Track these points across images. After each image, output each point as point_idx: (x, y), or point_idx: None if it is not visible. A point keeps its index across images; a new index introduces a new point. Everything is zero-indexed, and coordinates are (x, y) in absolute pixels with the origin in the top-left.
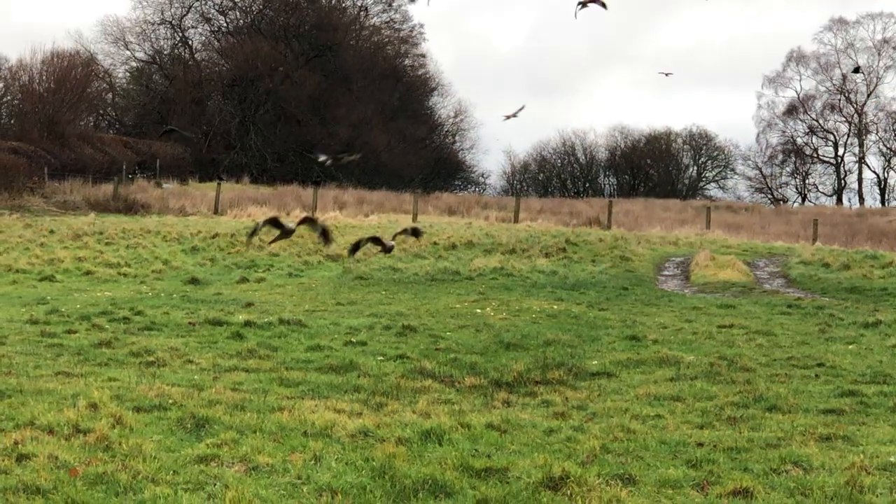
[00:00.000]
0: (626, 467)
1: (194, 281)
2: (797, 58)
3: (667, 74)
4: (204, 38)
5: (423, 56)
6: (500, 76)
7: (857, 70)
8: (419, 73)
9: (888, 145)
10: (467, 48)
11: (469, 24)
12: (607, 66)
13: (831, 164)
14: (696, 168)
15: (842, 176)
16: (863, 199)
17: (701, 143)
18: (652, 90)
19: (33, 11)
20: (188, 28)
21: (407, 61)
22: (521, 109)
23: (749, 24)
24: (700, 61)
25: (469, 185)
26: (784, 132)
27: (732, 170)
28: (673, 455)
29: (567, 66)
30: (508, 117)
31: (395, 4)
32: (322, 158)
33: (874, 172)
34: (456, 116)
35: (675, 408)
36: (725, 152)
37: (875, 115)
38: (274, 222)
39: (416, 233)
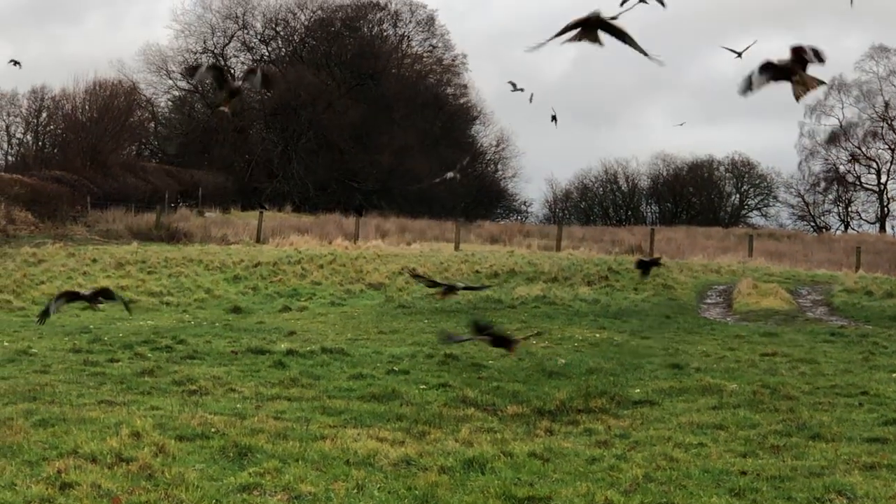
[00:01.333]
0: (670, 496)
1: (237, 310)
2: (839, 86)
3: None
4: (246, 66)
5: (465, 85)
6: (545, 105)
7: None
8: (461, 101)
9: None
10: (513, 76)
11: (515, 53)
12: (652, 96)
13: (874, 191)
14: (738, 196)
15: (885, 203)
16: None
17: (743, 171)
18: (696, 119)
19: (76, 41)
20: (230, 57)
21: (449, 90)
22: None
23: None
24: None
25: (511, 214)
26: (826, 160)
27: (775, 197)
28: (716, 484)
29: (611, 96)
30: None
31: (436, 32)
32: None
33: None
34: (498, 145)
35: (718, 436)
36: (768, 180)
37: None
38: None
39: (450, 290)
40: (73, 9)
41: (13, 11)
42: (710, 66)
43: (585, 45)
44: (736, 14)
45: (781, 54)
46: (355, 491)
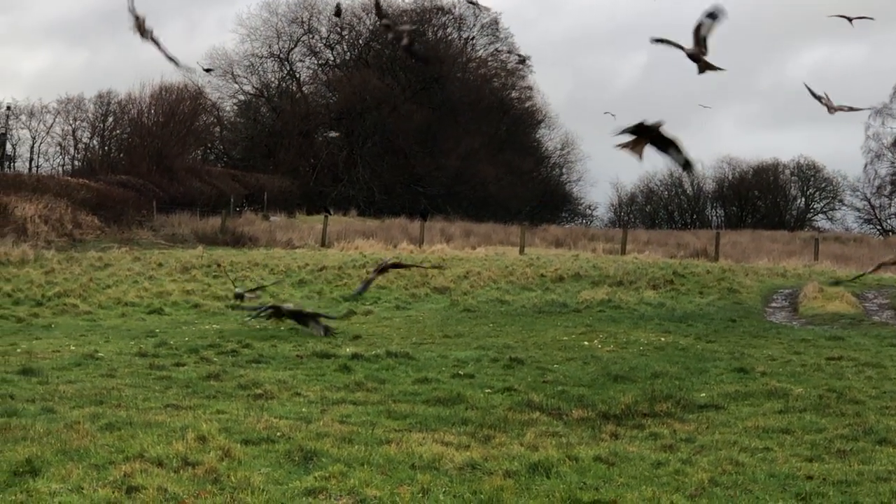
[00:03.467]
0: (735, 500)
1: None
2: None
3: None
4: (311, 71)
5: (530, 88)
6: (614, 110)
7: None
8: (526, 105)
9: None
10: (583, 82)
11: (585, 59)
12: (722, 101)
13: None
14: (803, 199)
15: None
16: None
17: (809, 175)
18: (763, 124)
19: (142, 45)
20: (296, 61)
21: (513, 93)
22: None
23: (865, 59)
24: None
25: (576, 218)
26: (893, 163)
27: (840, 201)
28: (782, 488)
29: (681, 101)
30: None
31: (500, 36)
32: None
33: None
34: (563, 149)
35: (783, 440)
36: (833, 183)
37: None
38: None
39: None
40: (151, 16)
41: (90, 19)
42: (778, 73)
43: (656, 51)
44: (806, 22)
45: (857, 60)
46: (420, 495)
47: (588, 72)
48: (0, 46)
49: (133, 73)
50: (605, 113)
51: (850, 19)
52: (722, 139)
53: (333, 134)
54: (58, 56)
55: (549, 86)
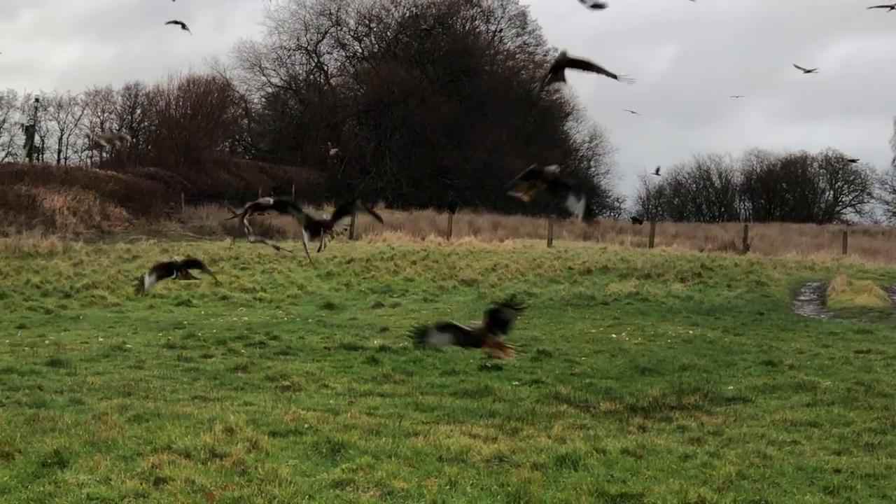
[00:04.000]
0: (763, 493)
1: (329, 306)
2: None
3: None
4: (339, 63)
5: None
6: (643, 102)
7: None
8: (554, 97)
9: None
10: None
11: (616, 52)
12: (750, 95)
13: None
14: (832, 192)
15: None
16: None
17: (837, 168)
18: (792, 117)
19: (169, 38)
20: (323, 53)
21: None
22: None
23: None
24: (842, 90)
25: (604, 210)
26: None
27: (869, 194)
28: (810, 481)
29: (710, 94)
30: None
31: (528, 28)
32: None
33: None
34: (591, 142)
35: (811, 434)
36: (862, 176)
37: None
38: (162, 268)
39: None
40: (181, 10)
41: (121, 11)
42: (808, 66)
43: (688, 44)
44: (835, 16)
45: (887, 54)
46: (448, 487)
47: (617, 65)
48: (32, 39)
49: (161, 65)
50: (631, 112)
51: (892, 7)
52: (750, 132)
53: (333, 150)
54: (88, 49)
55: (578, 79)
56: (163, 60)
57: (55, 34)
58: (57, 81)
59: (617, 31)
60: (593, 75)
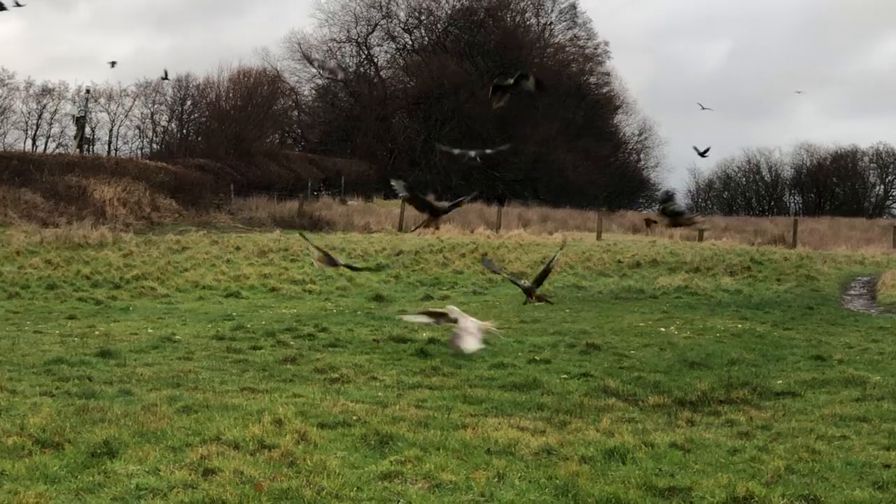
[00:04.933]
0: (811, 488)
1: (378, 298)
2: None
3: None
4: (389, 55)
5: (608, 74)
6: (696, 96)
7: None
8: (604, 90)
9: None
10: (666, 69)
11: (668, 46)
12: (803, 88)
13: None
14: (882, 187)
15: None
16: None
17: (888, 162)
18: (845, 111)
19: (219, 29)
20: (374, 46)
21: (591, 79)
22: None
23: None
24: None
25: (653, 203)
26: None
27: None
28: (859, 476)
29: (762, 88)
30: None
31: (579, 21)
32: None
33: None
34: (641, 134)
35: (860, 428)
36: None
37: None
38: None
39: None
40: (238, 3)
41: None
42: (862, 62)
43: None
44: (890, 9)
45: None
46: (496, 480)
47: (671, 58)
48: (88, 32)
49: (214, 57)
50: (701, 107)
51: None
52: (802, 126)
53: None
54: (143, 42)
55: (630, 72)
56: (215, 53)
57: (110, 28)
58: (110, 73)
59: (672, 26)
60: (642, 67)
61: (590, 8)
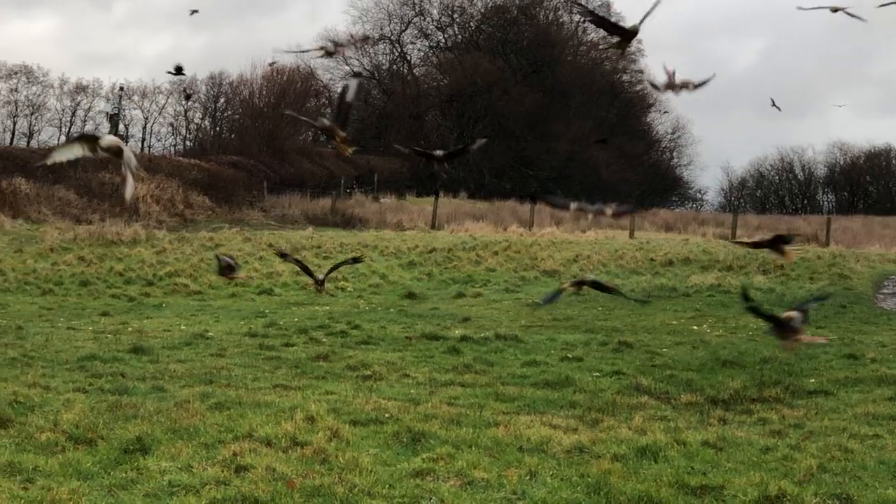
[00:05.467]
0: (844, 487)
1: (411, 295)
2: None
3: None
4: (422, 53)
5: (641, 72)
6: (729, 93)
7: None
8: (637, 88)
9: None
10: (701, 67)
11: (704, 44)
12: (838, 87)
13: None
14: None
15: None
16: None
17: None
18: (880, 110)
19: (252, 27)
20: (407, 44)
21: (625, 77)
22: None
23: None
24: None
25: (686, 202)
26: None
27: None
28: (892, 475)
29: (796, 87)
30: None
31: (613, 20)
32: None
33: None
34: (674, 133)
35: (894, 427)
36: None
37: None
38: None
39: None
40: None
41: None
42: None
43: (776, 36)
44: None
45: None
46: (528, 477)
47: (705, 56)
48: (125, 30)
49: (248, 54)
50: (774, 105)
51: None
52: (836, 125)
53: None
54: (179, 39)
55: (661, 69)
56: (250, 50)
57: (148, 26)
58: (145, 71)
59: (707, 22)
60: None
61: (626, 6)
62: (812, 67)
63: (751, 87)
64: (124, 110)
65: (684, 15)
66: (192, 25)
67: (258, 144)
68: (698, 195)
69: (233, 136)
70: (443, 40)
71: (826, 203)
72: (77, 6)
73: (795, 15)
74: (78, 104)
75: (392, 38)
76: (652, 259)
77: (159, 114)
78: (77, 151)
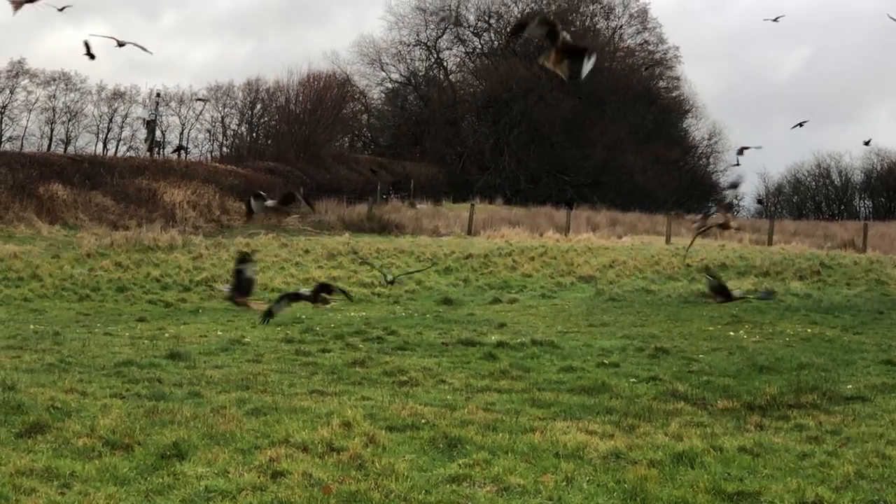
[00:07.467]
0: (881, 494)
1: (447, 301)
2: None
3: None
4: (458, 59)
5: (678, 78)
6: (770, 102)
7: None
8: (673, 94)
9: None
10: (744, 75)
11: (748, 53)
12: (882, 93)
13: None
14: None
15: None
16: None
17: None
18: None
19: (288, 33)
20: (443, 49)
21: (661, 83)
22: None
23: None
24: None
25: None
26: None
27: None
28: None
29: (840, 94)
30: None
31: (649, 26)
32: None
33: None
34: (710, 139)
35: None
36: None
37: None
38: (291, 296)
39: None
40: (321, 8)
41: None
42: None
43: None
44: None
45: None
46: (564, 483)
47: (747, 63)
48: (172, 38)
49: (292, 61)
50: (810, 114)
51: None
52: (879, 132)
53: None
54: (224, 47)
55: (706, 77)
56: (293, 57)
57: (195, 33)
58: (192, 79)
59: (751, 31)
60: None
61: (665, 10)
62: (852, 74)
63: (794, 94)
64: (161, 116)
65: (730, 23)
66: (238, 33)
67: (294, 150)
68: (735, 201)
69: (269, 141)
70: (479, 46)
71: (863, 209)
72: (125, 15)
73: (838, 21)
74: (115, 110)
75: (428, 43)
76: (688, 265)
77: (196, 120)
78: None
